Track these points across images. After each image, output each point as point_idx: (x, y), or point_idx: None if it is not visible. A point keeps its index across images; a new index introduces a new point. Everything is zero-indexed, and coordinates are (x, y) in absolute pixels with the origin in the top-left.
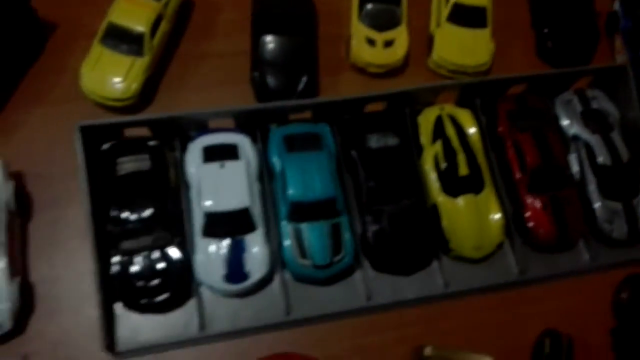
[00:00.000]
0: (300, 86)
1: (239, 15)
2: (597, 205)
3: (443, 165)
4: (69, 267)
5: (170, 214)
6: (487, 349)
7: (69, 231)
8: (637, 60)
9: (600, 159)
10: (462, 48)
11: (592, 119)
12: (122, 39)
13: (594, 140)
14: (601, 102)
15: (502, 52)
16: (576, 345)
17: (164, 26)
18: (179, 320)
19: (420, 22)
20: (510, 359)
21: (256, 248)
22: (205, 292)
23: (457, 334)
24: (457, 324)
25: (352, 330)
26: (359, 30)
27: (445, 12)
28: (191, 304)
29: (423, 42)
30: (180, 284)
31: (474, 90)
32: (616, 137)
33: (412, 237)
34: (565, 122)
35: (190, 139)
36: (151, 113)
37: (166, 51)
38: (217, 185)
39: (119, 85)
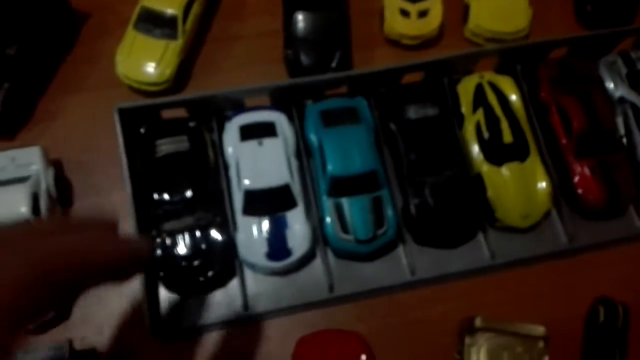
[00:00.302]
0: (334, 62)
1: None
2: None
3: (486, 133)
4: None
5: (210, 194)
6: (537, 320)
7: None
8: None
9: None
10: (498, 15)
11: (638, 80)
12: (155, 24)
13: None
14: None
15: (539, 17)
16: (631, 313)
17: (196, 8)
18: (222, 301)
19: None
20: (562, 329)
21: (298, 224)
22: (247, 272)
23: (506, 306)
24: (505, 296)
25: (397, 306)
26: (392, 2)
27: None
28: (233, 285)
29: (458, 11)
30: (223, 263)
31: (514, 56)
32: None
33: (456, 209)
34: (610, 85)
35: (227, 118)
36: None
37: (199, 34)
38: (256, 162)
39: (154, 70)
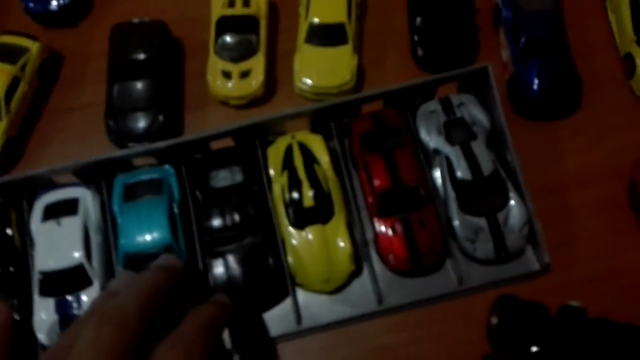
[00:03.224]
0: (156, 127)
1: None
2: (456, 222)
3: (288, 197)
4: None
5: (12, 276)
6: None
7: None
8: (517, 55)
9: (459, 173)
10: (321, 69)
11: (454, 129)
12: None
13: (452, 152)
14: (469, 107)
15: (378, 63)
16: None
17: (23, 87)
18: None
19: (290, 46)
20: None
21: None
22: None
23: None
24: None
25: None
26: (215, 64)
27: (302, 34)
28: None
29: (289, 66)
30: (23, 348)
31: (325, 115)
32: (478, 147)
33: (255, 277)
34: (424, 136)
35: (36, 197)
36: None
37: (32, 109)
38: (52, 243)
39: None
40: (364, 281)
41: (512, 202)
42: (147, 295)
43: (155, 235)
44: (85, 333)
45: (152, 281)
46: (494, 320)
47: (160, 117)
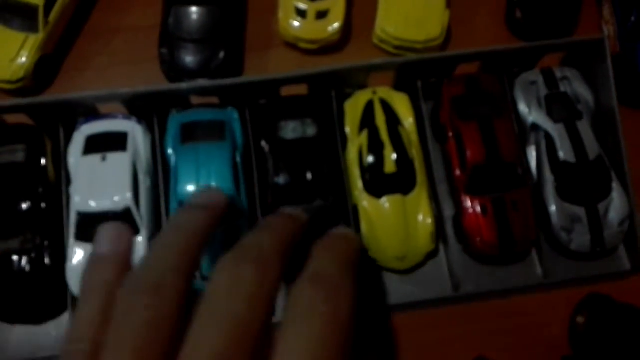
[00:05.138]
0: (216, 63)
1: None
2: (552, 209)
3: (367, 160)
4: None
5: (44, 214)
6: None
7: None
8: (626, 33)
9: (561, 154)
10: (408, 20)
11: (557, 104)
12: (15, 13)
13: (555, 130)
14: (574, 84)
15: (464, 24)
16: None
17: None
18: (51, 333)
19: None
20: None
21: (138, 254)
22: None
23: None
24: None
25: None
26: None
27: None
28: (67, 317)
29: (371, 12)
30: (53, 293)
31: (413, 71)
32: (584, 127)
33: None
34: (523, 108)
35: (76, 127)
36: (29, 98)
37: (73, 25)
38: (94, 180)
39: (9, 66)
40: (438, 263)
41: (615, 194)
42: (283, 237)
43: (217, 184)
44: (222, 273)
45: (286, 224)
46: (581, 319)
47: (221, 53)
